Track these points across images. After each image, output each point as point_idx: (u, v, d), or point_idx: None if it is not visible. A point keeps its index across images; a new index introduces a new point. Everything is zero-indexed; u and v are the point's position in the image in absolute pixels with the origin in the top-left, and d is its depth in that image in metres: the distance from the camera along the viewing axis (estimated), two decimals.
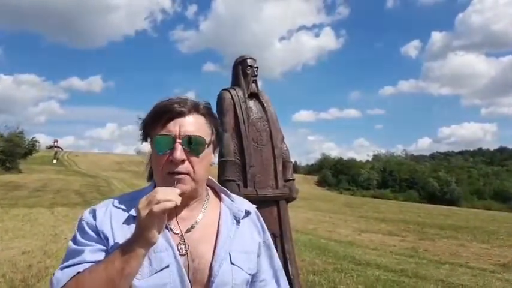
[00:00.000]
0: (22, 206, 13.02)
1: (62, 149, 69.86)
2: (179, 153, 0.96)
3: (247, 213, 1.17)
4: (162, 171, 0.99)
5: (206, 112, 1.06)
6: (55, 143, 72.63)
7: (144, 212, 0.86)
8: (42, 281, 5.08)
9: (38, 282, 5.02)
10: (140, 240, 0.88)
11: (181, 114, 1.00)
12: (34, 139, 37.86)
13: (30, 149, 36.68)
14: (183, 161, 0.98)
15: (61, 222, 10.21)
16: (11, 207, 12.73)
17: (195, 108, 1.03)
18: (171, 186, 0.94)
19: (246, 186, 3.04)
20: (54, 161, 47.68)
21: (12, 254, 6.45)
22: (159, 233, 0.89)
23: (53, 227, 9.37)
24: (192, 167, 0.99)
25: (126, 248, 0.88)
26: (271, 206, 3.11)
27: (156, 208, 0.85)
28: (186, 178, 0.99)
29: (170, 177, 0.98)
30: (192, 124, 1.00)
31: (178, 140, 0.97)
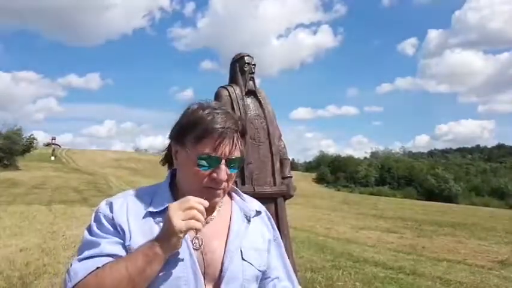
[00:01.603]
0: (20, 203, 13.00)
1: (60, 146, 69.74)
2: (224, 174, 1.01)
3: (258, 212, 1.21)
4: (200, 184, 1.02)
5: (243, 131, 1.09)
6: (53, 140, 72.40)
7: (177, 221, 0.91)
8: (40, 278, 5.07)
9: (35, 279, 5.01)
10: (166, 244, 0.91)
11: (230, 137, 1.03)
12: (32, 136, 37.85)
13: (28, 146, 36.63)
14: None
15: (59, 219, 10.18)
16: (8, 204, 12.70)
17: (237, 128, 1.06)
18: (203, 198, 0.98)
19: (244, 183, 3.05)
20: (52, 158, 47.61)
21: (10, 252, 6.43)
22: (183, 237, 0.94)
23: (51, 224, 9.35)
24: (227, 182, 1.05)
25: (150, 250, 0.91)
26: (269, 203, 3.11)
27: (198, 225, 0.93)
28: (221, 192, 1.05)
29: (207, 191, 1.02)
30: (235, 145, 1.04)
31: (223, 162, 1.01)
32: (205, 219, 0.98)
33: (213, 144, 1.00)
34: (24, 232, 8.25)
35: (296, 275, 3.35)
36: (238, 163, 1.05)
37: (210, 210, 1.06)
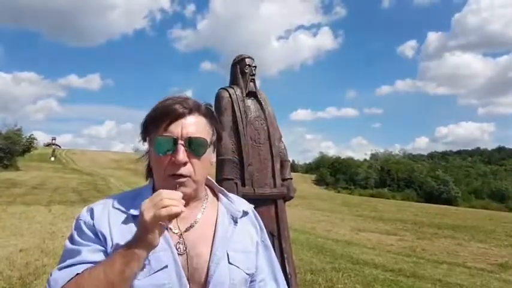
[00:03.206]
0: (20, 204, 12.99)
1: (60, 147, 69.61)
2: (182, 155, 0.96)
3: (245, 213, 1.17)
4: (163, 172, 0.99)
5: (207, 113, 1.06)
6: (53, 141, 72.24)
7: (148, 215, 0.86)
8: (39, 279, 5.06)
9: (35, 280, 5.01)
10: (142, 242, 0.88)
11: (183, 115, 1.00)
12: (32, 136, 37.81)
13: (28, 146, 36.59)
14: (185, 163, 0.97)
15: (58, 220, 10.18)
16: (8, 204, 12.68)
17: (196, 108, 1.03)
18: (172, 189, 0.94)
19: (244, 184, 3.04)
20: (52, 159, 47.56)
21: (10, 252, 6.43)
22: (160, 235, 0.90)
23: (50, 224, 9.35)
24: (193, 168, 0.99)
25: (127, 251, 0.88)
26: (269, 205, 3.10)
27: (164, 212, 0.86)
28: (188, 181, 0.99)
29: (172, 179, 0.98)
30: (194, 125, 1.00)
31: (180, 142, 0.97)
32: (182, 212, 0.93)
33: (166, 125, 0.98)
34: (24, 232, 8.25)
35: (295, 277, 3.33)
36: (202, 145, 1.00)
37: (184, 203, 1.01)
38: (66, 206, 12.91)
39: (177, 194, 0.91)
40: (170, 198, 0.88)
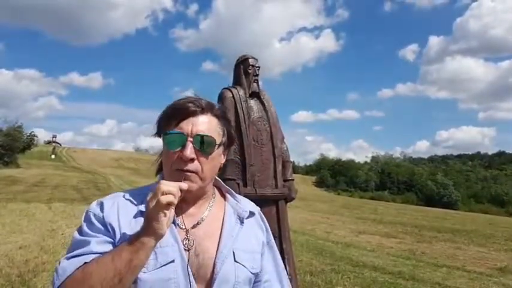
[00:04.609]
0: (20, 201, 12.98)
1: (60, 145, 69.72)
2: (189, 151, 0.98)
3: (252, 213, 1.18)
4: (171, 167, 1.01)
5: (220, 114, 1.08)
6: (54, 138, 72.42)
7: (151, 204, 0.89)
8: (39, 276, 5.06)
9: (34, 277, 5.00)
10: (148, 231, 0.89)
11: (195, 114, 1.02)
12: (32, 133, 37.81)
13: (29, 143, 36.59)
14: (192, 160, 0.99)
15: (58, 217, 10.17)
16: (8, 201, 12.67)
17: (209, 108, 1.05)
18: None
19: (245, 185, 3.04)
20: (53, 156, 47.60)
21: (9, 249, 6.42)
22: (167, 226, 0.91)
23: (50, 222, 9.34)
24: (201, 166, 1.01)
25: (135, 240, 0.90)
26: (271, 206, 3.11)
27: (163, 199, 0.87)
28: (194, 176, 1.00)
29: (178, 173, 0.99)
30: (205, 124, 1.02)
31: (189, 139, 0.99)
32: (187, 205, 1.00)
33: (178, 122, 1.01)
34: (24, 230, 8.24)
35: (296, 278, 3.32)
36: (211, 144, 1.01)
37: (190, 201, 1.06)
38: (66, 204, 12.91)
39: (175, 183, 0.92)
40: (168, 186, 0.90)
